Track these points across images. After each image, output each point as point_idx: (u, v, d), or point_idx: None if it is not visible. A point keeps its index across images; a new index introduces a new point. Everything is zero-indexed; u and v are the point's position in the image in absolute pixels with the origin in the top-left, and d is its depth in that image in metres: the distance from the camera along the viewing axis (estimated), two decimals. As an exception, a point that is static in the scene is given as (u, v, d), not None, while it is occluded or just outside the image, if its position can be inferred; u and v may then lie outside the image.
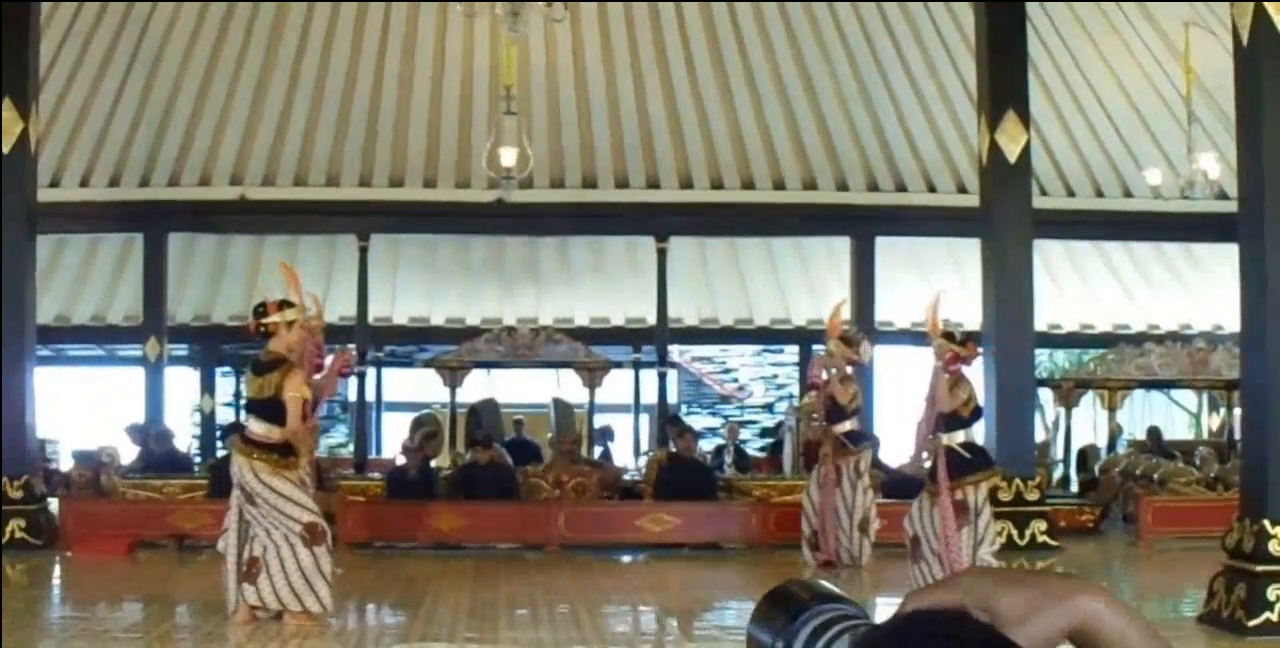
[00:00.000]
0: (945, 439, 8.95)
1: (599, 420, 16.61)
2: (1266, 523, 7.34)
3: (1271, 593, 7.26)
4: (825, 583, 1.06)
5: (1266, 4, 7.44)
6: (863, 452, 10.97)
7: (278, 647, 7.11)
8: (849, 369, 11.20)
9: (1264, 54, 7.53)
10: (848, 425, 10.94)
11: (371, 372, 17.75)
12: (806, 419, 12.68)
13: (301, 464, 7.83)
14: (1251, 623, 7.23)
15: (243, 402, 7.98)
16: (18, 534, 11.42)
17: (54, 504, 12.57)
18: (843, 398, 10.96)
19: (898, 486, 12.93)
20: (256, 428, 7.64)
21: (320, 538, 7.58)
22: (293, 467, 7.70)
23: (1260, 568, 7.30)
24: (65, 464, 16.35)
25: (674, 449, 13.16)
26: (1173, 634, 7.54)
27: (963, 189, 17.06)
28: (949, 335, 9.15)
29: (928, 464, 9.20)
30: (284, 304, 7.80)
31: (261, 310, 7.80)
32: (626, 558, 11.75)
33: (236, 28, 16.68)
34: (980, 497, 9.10)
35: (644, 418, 20.16)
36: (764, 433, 22.09)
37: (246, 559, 7.56)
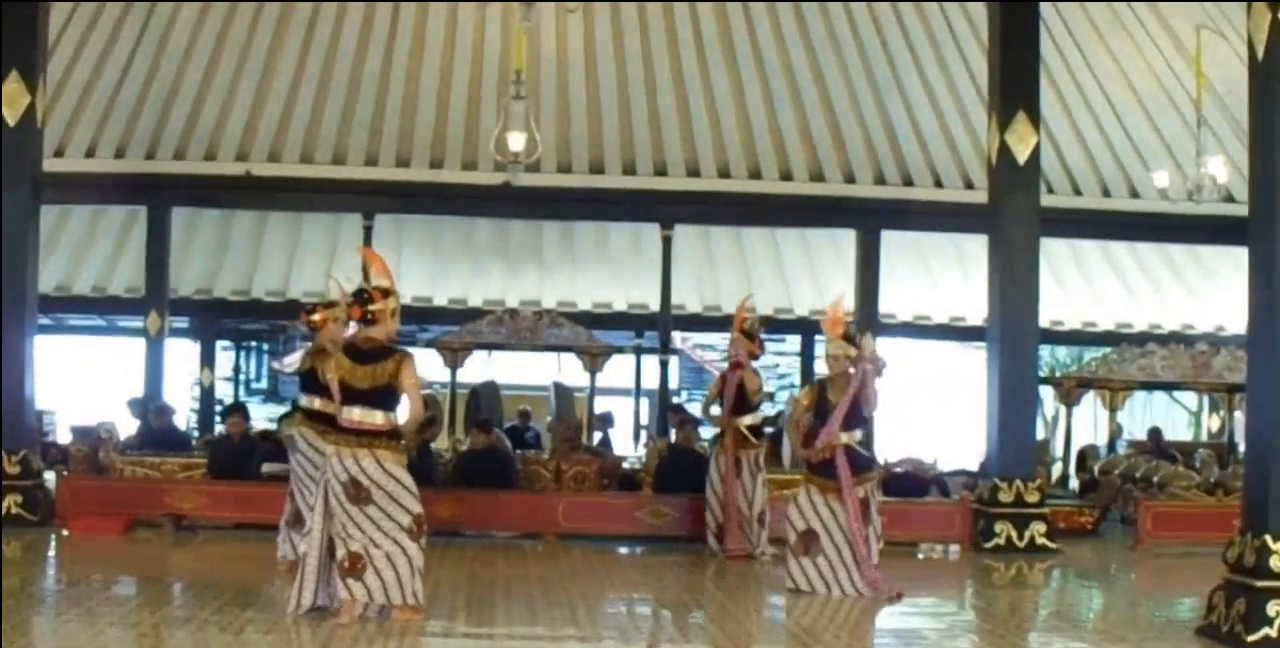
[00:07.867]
0: (845, 437, 9.01)
1: (599, 405, 16.58)
2: (1268, 538, 7.31)
3: (1271, 609, 7.23)
4: None
5: (1282, 13, 7.38)
6: (763, 446, 11.07)
7: (275, 638, 7.09)
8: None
9: (1279, 63, 7.47)
10: (749, 419, 10.99)
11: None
12: (684, 422, 12.81)
13: None
14: (1250, 638, 7.20)
15: (333, 390, 7.73)
16: (14, 510, 11.41)
17: (50, 477, 12.57)
18: (752, 388, 10.99)
19: (895, 483, 12.93)
20: (360, 416, 7.50)
21: (423, 530, 7.55)
22: (404, 451, 7.69)
23: (1260, 584, 7.27)
24: (63, 436, 16.33)
25: (674, 440, 13.14)
26: (1170, 644, 7.58)
27: (969, 184, 17.05)
28: (849, 337, 9.15)
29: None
30: (386, 292, 7.67)
31: (366, 297, 7.64)
32: (624, 550, 11.73)
33: (247, 3, 16.59)
34: (875, 493, 9.23)
35: (644, 403, 20.18)
36: (764, 423, 22.05)
37: (346, 556, 7.39)
